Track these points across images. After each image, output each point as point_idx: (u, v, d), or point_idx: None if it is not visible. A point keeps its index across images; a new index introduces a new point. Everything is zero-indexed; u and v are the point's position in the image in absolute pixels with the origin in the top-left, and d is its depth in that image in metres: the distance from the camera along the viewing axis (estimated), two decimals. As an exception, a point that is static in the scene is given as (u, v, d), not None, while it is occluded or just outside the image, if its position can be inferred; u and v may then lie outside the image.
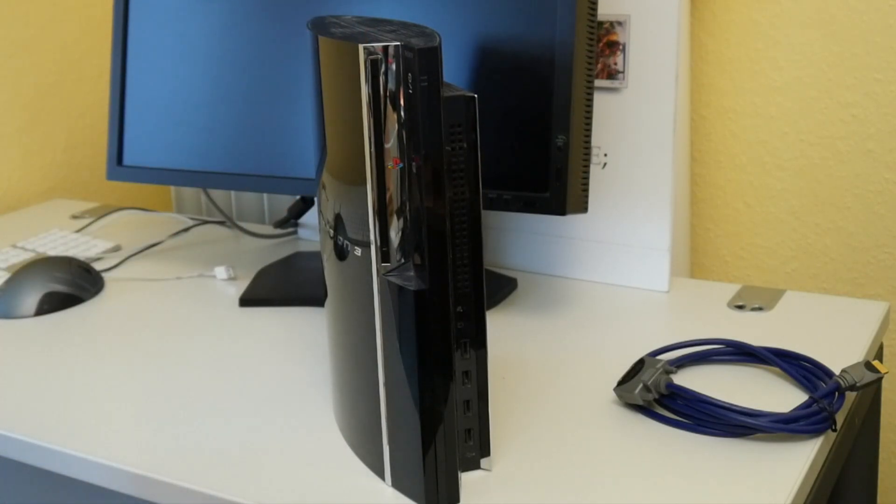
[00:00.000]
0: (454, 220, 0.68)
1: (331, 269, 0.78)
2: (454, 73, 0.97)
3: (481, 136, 0.68)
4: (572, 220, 1.11)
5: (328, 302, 0.81)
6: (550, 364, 0.92)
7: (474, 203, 0.69)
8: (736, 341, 0.90)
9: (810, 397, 0.79)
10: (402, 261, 0.68)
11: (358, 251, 0.70)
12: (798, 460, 0.74)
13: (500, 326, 1.00)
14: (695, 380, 0.85)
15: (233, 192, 1.51)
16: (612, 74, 1.06)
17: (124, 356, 0.98)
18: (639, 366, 0.83)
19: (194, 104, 1.13)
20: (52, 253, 1.27)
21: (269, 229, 1.36)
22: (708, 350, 0.90)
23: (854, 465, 0.97)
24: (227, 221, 1.38)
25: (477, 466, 0.74)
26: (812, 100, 1.16)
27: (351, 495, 0.73)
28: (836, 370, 0.83)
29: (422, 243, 0.67)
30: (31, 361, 0.99)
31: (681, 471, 0.74)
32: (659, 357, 0.85)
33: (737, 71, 1.19)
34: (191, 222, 1.40)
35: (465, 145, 0.67)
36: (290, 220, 1.31)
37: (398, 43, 0.65)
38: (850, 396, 0.83)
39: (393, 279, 0.68)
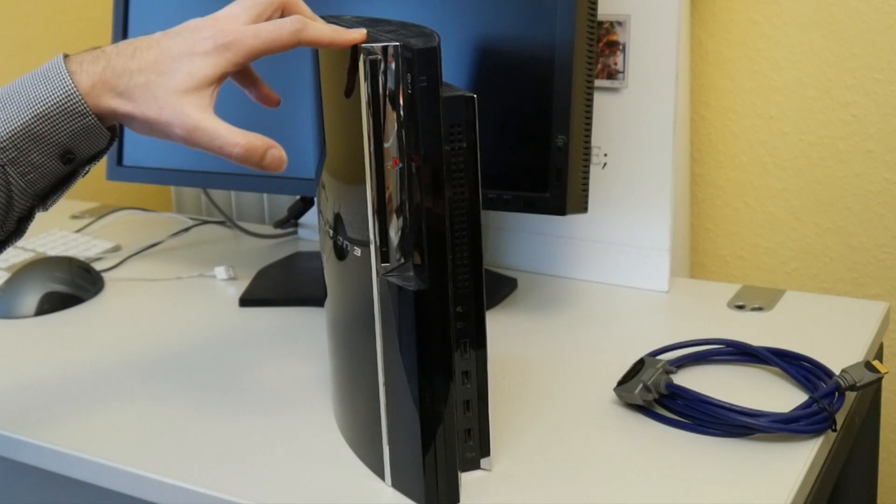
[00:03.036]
0: (454, 220, 0.68)
1: (330, 269, 0.78)
2: (454, 73, 0.97)
3: (481, 136, 0.68)
4: (572, 220, 1.11)
5: (328, 302, 0.81)
6: (550, 364, 0.92)
7: (474, 203, 0.68)
8: (736, 341, 0.90)
9: (810, 397, 0.79)
10: (402, 261, 0.68)
11: (357, 251, 0.70)
12: (798, 460, 0.74)
13: (500, 326, 1.00)
14: (695, 380, 0.85)
15: (233, 192, 1.51)
16: (612, 74, 1.06)
17: (124, 356, 0.98)
18: (639, 366, 0.83)
19: (194, 104, 1.13)
20: (51, 253, 1.27)
21: (269, 229, 1.36)
22: (708, 350, 0.90)
23: (854, 465, 0.97)
24: (227, 221, 1.37)
25: (477, 466, 0.74)
26: (812, 100, 1.16)
27: (351, 495, 0.73)
28: (836, 370, 0.83)
29: (421, 243, 0.67)
30: (31, 361, 0.99)
31: (681, 471, 0.74)
32: (659, 357, 0.85)
33: (737, 71, 1.19)
34: (191, 222, 1.40)
35: (464, 145, 0.67)
36: (290, 220, 1.31)
37: (397, 43, 0.65)
38: (850, 396, 0.83)
39: (393, 279, 0.68)
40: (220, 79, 0.70)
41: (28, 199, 0.71)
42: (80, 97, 0.67)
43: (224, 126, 0.69)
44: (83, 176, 0.73)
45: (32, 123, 0.67)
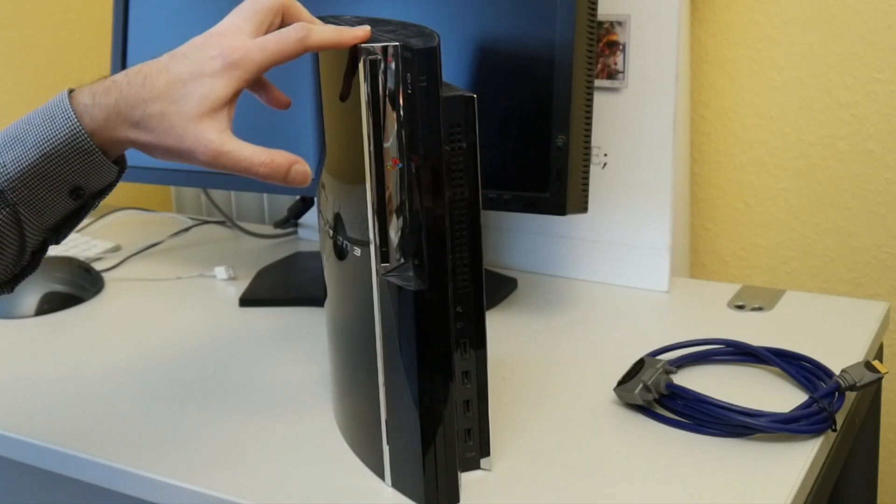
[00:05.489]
0: (454, 221, 0.68)
1: (330, 269, 0.78)
2: (454, 73, 0.97)
3: (481, 136, 0.68)
4: (572, 220, 1.11)
5: (328, 302, 0.81)
6: (550, 364, 0.92)
7: (474, 203, 0.68)
8: (736, 341, 0.90)
9: (810, 397, 0.79)
10: (402, 261, 0.68)
11: (357, 251, 0.70)
12: (798, 460, 0.74)
13: (500, 326, 1.00)
14: (695, 380, 0.85)
15: (233, 192, 1.51)
16: (612, 74, 1.06)
17: (124, 356, 0.98)
18: (639, 366, 0.83)
19: (194, 104, 1.13)
20: (51, 253, 1.27)
21: (269, 229, 1.36)
22: (708, 350, 0.90)
23: (854, 465, 0.97)
24: (227, 221, 1.38)
25: (477, 466, 0.74)
26: (812, 100, 1.16)
27: (351, 495, 0.73)
28: (836, 370, 0.83)
29: (421, 243, 0.67)
30: (31, 361, 0.99)
31: (681, 471, 0.74)
32: (659, 357, 0.85)
33: (737, 71, 1.19)
34: (191, 222, 1.40)
35: (464, 145, 0.67)
36: (290, 220, 1.32)
37: (397, 43, 0.65)
38: (850, 396, 0.83)
39: (393, 279, 0.68)
40: (234, 97, 0.70)
41: (40, 233, 0.71)
42: (85, 135, 0.67)
43: (247, 147, 0.69)
44: (94, 209, 0.74)
45: (40, 163, 0.68)
